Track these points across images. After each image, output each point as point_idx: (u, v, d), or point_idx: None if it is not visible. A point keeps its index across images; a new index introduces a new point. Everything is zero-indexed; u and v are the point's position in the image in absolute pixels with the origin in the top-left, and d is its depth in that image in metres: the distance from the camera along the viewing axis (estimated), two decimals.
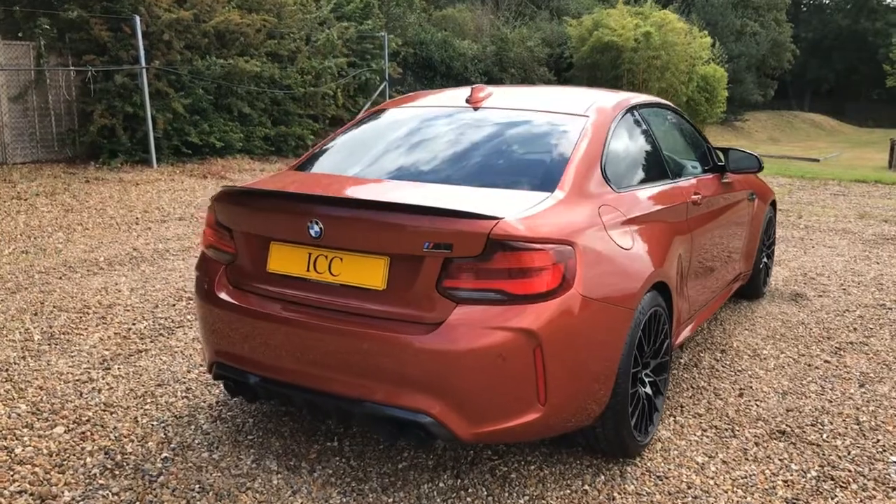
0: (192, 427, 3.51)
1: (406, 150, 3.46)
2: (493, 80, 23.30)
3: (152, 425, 3.53)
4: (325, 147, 3.76)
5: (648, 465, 3.25)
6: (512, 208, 2.74)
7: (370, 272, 2.71)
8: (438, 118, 3.66)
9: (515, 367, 2.60)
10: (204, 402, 3.80)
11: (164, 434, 3.44)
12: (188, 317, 5.13)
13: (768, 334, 5.02)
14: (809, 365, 4.47)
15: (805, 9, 53.26)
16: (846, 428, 3.65)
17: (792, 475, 3.21)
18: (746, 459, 3.33)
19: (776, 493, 3.06)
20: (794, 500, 3.01)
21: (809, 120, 43.73)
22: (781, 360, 4.55)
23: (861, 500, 3.03)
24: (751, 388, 4.11)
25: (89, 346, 4.53)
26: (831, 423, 3.69)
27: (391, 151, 3.48)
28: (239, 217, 3.02)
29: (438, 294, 2.62)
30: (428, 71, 21.50)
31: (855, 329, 5.15)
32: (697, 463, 3.28)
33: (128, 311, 5.21)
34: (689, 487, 3.09)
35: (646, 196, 3.52)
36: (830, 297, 5.96)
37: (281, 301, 2.90)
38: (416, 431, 2.68)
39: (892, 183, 13.80)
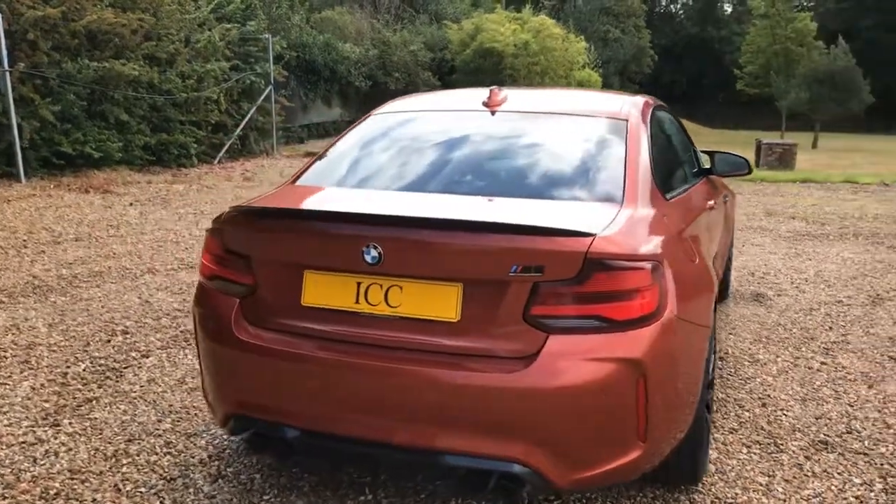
0: (192, 491, 2.94)
1: (445, 160, 3.04)
2: (377, 85, 22.92)
3: (140, 493, 2.92)
4: (334, 158, 3.28)
5: (714, 490, 3.03)
6: (592, 223, 2.43)
7: (440, 302, 2.33)
8: (464, 124, 3.29)
9: (618, 402, 2.32)
10: (193, 457, 3.22)
11: None
12: (132, 354, 4.45)
13: (754, 338, 4.96)
14: (809, 368, 4.41)
15: (657, 17, 56.29)
16: (881, 433, 3.58)
17: (859, 490, 3.08)
18: (806, 476, 3.18)
19: None
20: None
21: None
22: (780, 364, 4.47)
23: None
24: (769, 396, 3.99)
25: (21, 397, 3.79)
26: (865, 429, 3.61)
27: (428, 162, 3.05)
28: (262, 242, 2.58)
29: (526, 324, 2.28)
30: (311, 75, 20.85)
31: (830, 328, 5.19)
32: (761, 484, 3.09)
33: (54, 351, 4.46)
34: None
35: (686, 203, 3.32)
36: (789, 296, 6.03)
37: (321, 339, 2.46)
38: (507, 483, 2.36)
39: (774, 181, 14.58)
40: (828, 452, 3.38)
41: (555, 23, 27.21)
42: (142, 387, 3.98)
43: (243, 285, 2.59)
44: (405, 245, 2.34)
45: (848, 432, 3.58)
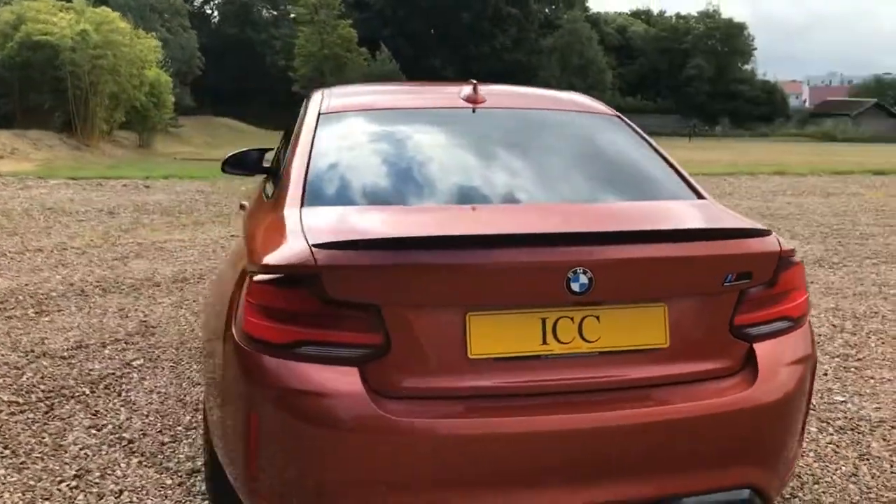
0: None
1: (488, 165, 2.62)
2: None
3: None
4: (334, 171, 2.51)
5: None
6: (743, 220, 2.33)
7: (646, 327, 1.99)
8: (471, 124, 2.86)
9: (805, 402, 2.22)
10: None
11: None
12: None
13: None
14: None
15: (193, 17, 55.49)
16: None
17: None
18: None
19: None
20: None
21: (225, 124, 46.15)
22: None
23: None
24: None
25: None
26: None
27: (473, 170, 2.57)
28: (401, 285, 1.87)
29: (731, 336, 2.08)
30: None
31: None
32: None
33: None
34: None
35: None
36: None
37: (498, 397, 1.92)
38: None
39: None
40: None
41: (120, 16, 25.22)
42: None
43: (366, 347, 1.87)
44: (616, 266, 1.94)
45: None
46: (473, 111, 2.83)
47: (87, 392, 3.67)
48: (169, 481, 2.85)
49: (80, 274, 6.00)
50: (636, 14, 73.01)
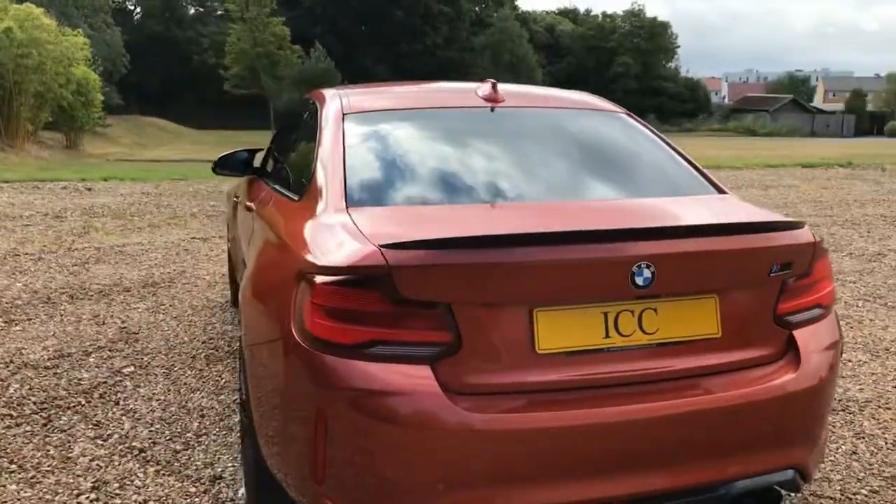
0: None
1: (524, 164, 2.66)
2: None
3: None
4: (380, 175, 2.53)
5: None
6: (763, 215, 2.45)
7: (699, 318, 2.07)
8: (495, 123, 2.89)
9: (835, 385, 2.36)
10: None
11: None
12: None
13: None
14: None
15: (119, 14, 53.72)
16: None
17: None
18: None
19: None
20: None
21: (154, 124, 44.88)
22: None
23: None
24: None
25: None
26: None
27: (516, 167, 2.63)
28: (470, 283, 1.89)
29: (775, 324, 2.17)
30: None
31: None
32: None
33: None
34: None
35: None
36: None
37: (566, 391, 1.96)
38: (776, 493, 2.26)
39: None
40: None
41: (44, 12, 24.22)
42: None
43: (438, 345, 1.89)
44: (676, 259, 1.99)
45: None
46: (493, 110, 2.86)
47: (83, 402, 3.55)
48: (193, 489, 2.79)
49: (41, 281, 5.77)
50: (563, 13, 74.23)
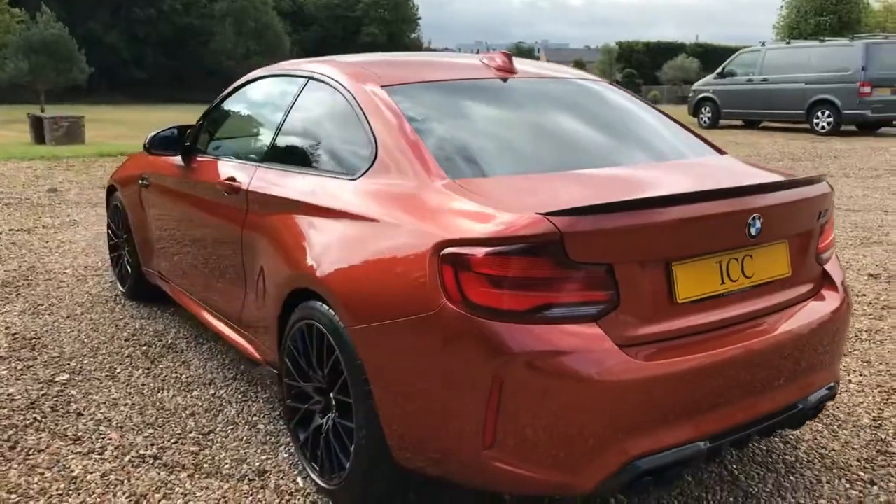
0: None
1: (577, 132, 2.86)
2: None
3: None
4: (460, 146, 2.56)
5: None
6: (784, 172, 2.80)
7: (777, 261, 2.39)
8: (527, 93, 3.01)
9: None
10: None
11: None
12: None
13: None
14: None
15: None
16: None
17: None
18: None
19: None
20: None
21: None
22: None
23: None
24: None
25: None
26: None
27: (579, 134, 2.83)
28: (626, 243, 2.06)
29: (815, 262, 2.55)
30: None
31: None
32: None
33: None
34: None
35: None
36: None
37: (701, 334, 2.19)
38: (820, 406, 2.55)
39: (74, 155, 12.91)
40: None
41: None
42: None
43: (603, 303, 2.03)
44: (774, 211, 2.29)
45: None
46: (519, 82, 2.98)
47: (39, 418, 3.15)
48: (245, 487, 2.65)
49: None
50: None
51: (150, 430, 3.05)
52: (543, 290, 1.99)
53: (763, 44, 17.72)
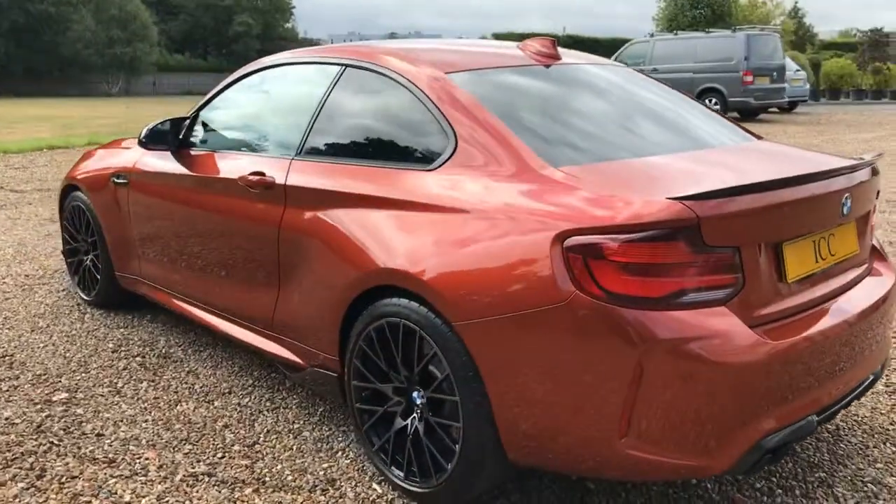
0: None
1: (650, 115, 2.92)
2: None
3: None
4: (550, 134, 2.58)
5: None
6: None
7: (851, 238, 2.51)
8: (586, 80, 3.03)
9: None
10: None
11: None
12: None
13: None
14: None
15: None
16: None
17: None
18: None
19: None
20: None
21: None
22: None
23: None
24: None
25: None
26: None
27: (646, 119, 2.87)
28: (750, 226, 2.10)
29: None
30: None
31: None
32: None
33: None
34: None
35: None
36: None
37: (808, 310, 2.28)
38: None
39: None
40: None
41: None
42: None
43: (731, 286, 2.06)
44: (859, 191, 2.43)
45: None
46: (570, 68, 3.01)
47: (56, 441, 2.86)
48: (321, 498, 2.52)
49: None
50: None
51: (189, 446, 2.84)
52: (679, 275, 2.00)
53: (651, 35, 18.57)
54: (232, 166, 3.20)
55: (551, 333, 2.07)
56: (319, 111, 2.95)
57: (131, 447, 2.83)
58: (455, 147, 2.44)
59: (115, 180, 3.91)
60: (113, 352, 3.75)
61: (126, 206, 3.87)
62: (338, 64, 2.99)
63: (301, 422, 3.03)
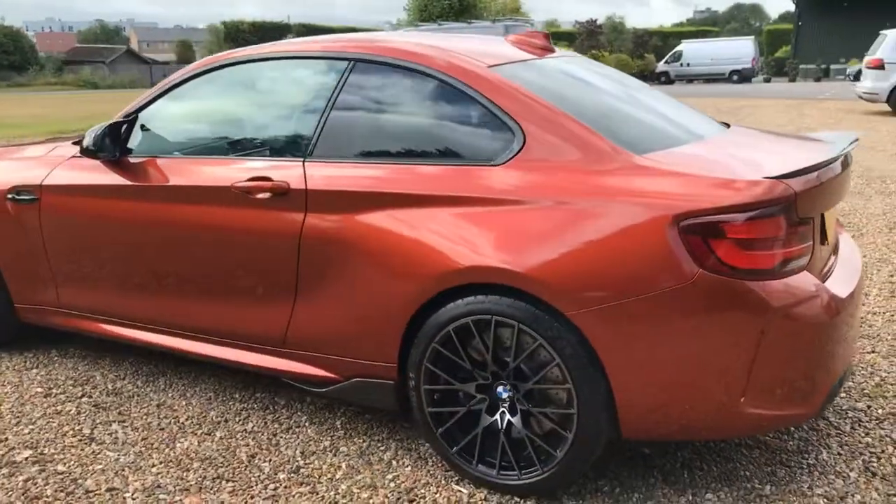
0: None
1: (658, 106, 3.04)
2: None
3: None
4: (610, 124, 2.62)
5: None
6: None
7: (831, 225, 2.69)
8: (577, 74, 3.05)
9: None
10: None
11: None
12: None
13: None
14: None
15: None
16: None
17: None
18: None
19: None
20: None
21: None
22: None
23: None
24: None
25: None
26: None
27: (663, 108, 3.02)
28: (819, 198, 2.42)
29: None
30: None
31: None
32: None
33: None
34: None
35: None
36: None
37: (832, 273, 2.59)
38: None
39: None
40: None
41: None
42: None
43: (809, 253, 2.35)
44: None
45: None
46: (565, 60, 3.10)
47: None
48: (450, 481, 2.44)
49: None
50: None
51: (230, 484, 2.57)
52: (783, 246, 2.24)
53: (417, 26, 19.06)
54: (212, 173, 2.90)
55: (676, 311, 2.21)
56: (329, 110, 2.78)
57: (161, 497, 2.50)
58: (524, 141, 2.45)
59: (15, 197, 3.32)
60: (45, 396, 3.21)
61: (34, 228, 3.30)
62: (342, 59, 2.83)
63: (328, 439, 2.87)
